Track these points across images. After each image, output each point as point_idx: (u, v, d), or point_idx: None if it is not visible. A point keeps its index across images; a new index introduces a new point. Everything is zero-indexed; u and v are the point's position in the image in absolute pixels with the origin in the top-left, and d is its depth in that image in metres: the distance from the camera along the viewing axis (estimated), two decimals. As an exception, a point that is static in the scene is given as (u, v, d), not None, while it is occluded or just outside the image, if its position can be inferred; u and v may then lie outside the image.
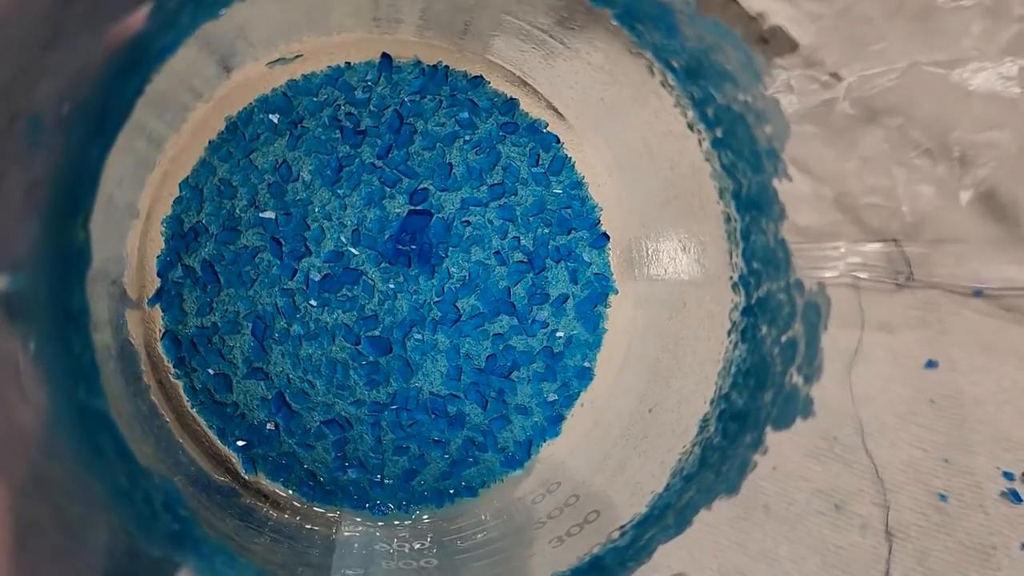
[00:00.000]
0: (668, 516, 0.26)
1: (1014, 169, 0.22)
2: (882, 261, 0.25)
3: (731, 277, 0.28)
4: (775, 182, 0.25)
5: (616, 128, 0.33)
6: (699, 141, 0.28)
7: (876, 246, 0.25)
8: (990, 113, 0.21)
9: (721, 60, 0.24)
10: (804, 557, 0.24)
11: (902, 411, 0.24)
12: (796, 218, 0.25)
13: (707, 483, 0.26)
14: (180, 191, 0.33)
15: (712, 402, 0.28)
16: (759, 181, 0.25)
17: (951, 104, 0.21)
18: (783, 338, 0.25)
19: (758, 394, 0.25)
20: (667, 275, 0.33)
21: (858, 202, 0.25)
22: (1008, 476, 0.23)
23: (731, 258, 0.28)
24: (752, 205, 0.26)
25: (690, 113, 0.27)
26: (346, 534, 0.33)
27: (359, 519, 0.34)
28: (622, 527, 0.27)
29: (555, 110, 0.35)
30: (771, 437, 0.25)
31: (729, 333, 0.28)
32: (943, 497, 0.24)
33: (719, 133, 0.26)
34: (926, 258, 0.24)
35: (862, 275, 0.26)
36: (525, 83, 0.35)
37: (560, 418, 0.35)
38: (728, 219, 0.27)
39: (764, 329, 0.26)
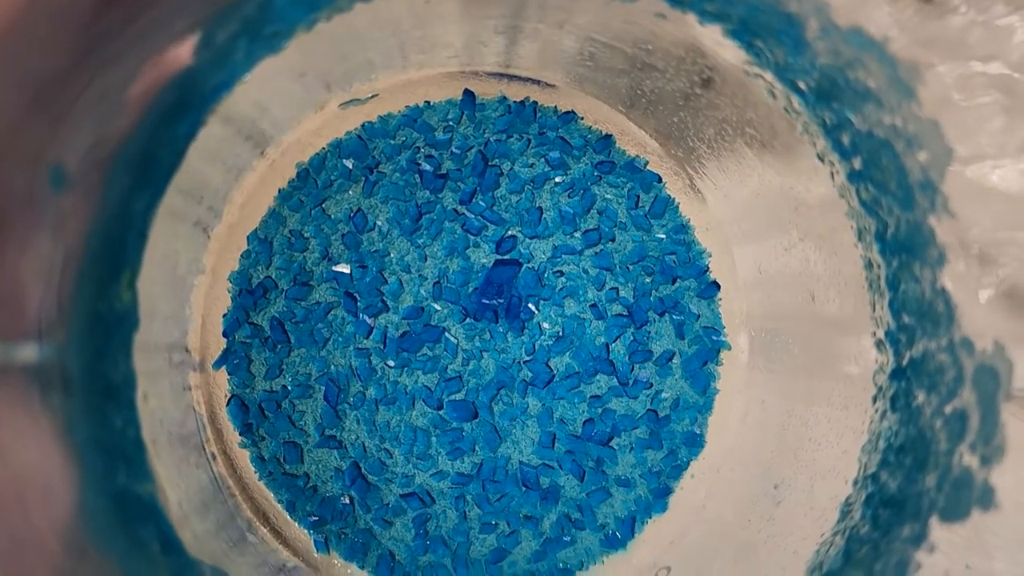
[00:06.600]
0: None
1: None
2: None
3: (874, 333, 0.24)
4: (931, 220, 0.20)
5: (727, 163, 0.29)
6: (831, 174, 0.24)
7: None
8: (1010, 211, 0.20)
9: (861, 77, 0.20)
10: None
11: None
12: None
13: (855, 583, 0.22)
14: (248, 244, 0.30)
15: (856, 483, 0.23)
16: (910, 219, 0.21)
17: (969, 201, 0.20)
18: (947, 408, 0.21)
19: (917, 476, 0.21)
20: (790, 329, 0.29)
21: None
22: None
23: (874, 310, 0.24)
24: (901, 248, 0.22)
25: (820, 142, 0.23)
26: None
27: (442, 606, 0.30)
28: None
29: (656, 146, 0.32)
30: (938, 532, 0.20)
31: (874, 400, 0.24)
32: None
33: (857, 164, 0.22)
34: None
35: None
36: (621, 117, 0.32)
37: (667, 491, 0.31)
38: (869, 264, 0.23)
39: (921, 397, 0.21)
